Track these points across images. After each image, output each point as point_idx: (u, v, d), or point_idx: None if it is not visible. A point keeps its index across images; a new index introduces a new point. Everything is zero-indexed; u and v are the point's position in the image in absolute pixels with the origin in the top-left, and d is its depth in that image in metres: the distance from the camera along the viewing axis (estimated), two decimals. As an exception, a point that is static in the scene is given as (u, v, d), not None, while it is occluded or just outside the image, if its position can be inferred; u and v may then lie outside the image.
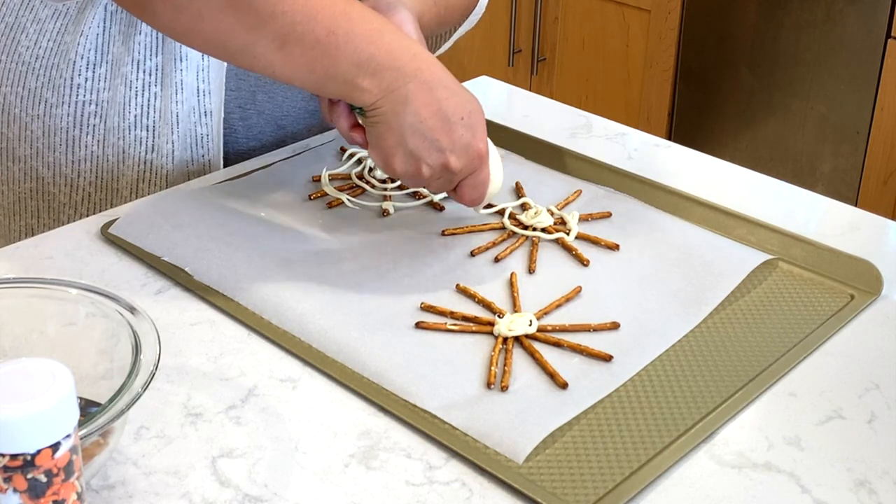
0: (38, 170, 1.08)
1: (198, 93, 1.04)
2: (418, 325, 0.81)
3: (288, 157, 1.06)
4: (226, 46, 0.83)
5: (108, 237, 0.92)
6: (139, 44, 1.02)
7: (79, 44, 1.02)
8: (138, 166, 1.06)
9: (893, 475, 0.69)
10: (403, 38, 0.85)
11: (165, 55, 1.02)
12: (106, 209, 1.06)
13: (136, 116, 1.04)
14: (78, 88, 1.04)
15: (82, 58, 1.03)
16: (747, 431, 0.73)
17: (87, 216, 1.02)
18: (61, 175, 1.07)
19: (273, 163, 1.05)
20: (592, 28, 2.52)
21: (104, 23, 1.02)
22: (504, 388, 0.75)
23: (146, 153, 1.05)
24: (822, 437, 0.72)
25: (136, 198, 1.05)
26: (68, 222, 1.06)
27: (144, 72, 1.03)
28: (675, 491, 0.67)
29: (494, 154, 0.90)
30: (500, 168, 0.91)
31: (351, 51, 0.82)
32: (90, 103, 1.04)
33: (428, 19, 1.00)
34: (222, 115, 1.06)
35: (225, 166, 1.08)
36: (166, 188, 1.05)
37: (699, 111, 2.43)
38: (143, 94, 1.03)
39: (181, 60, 1.03)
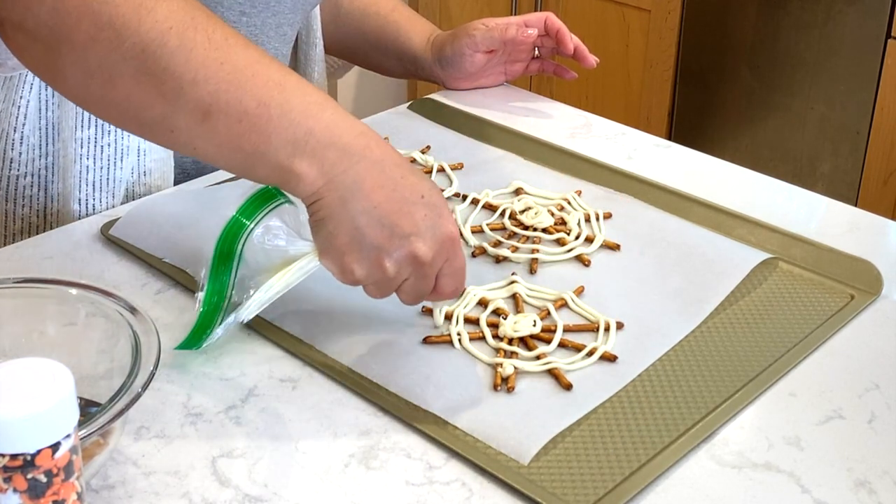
0: None
1: (139, 153, 1.00)
2: (426, 341, 0.80)
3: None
4: (140, 118, 0.73)
5: (108, 238, 0.92)
6: (73, 108, 0.95)
7: (12, 114, 0.95)
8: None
9: (893, 475, 0.69)
10: (348, 115, 0.74)
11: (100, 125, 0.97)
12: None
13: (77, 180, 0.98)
14: (11, 163, 0.97)
15: (15, 130, 0.96)
16: (747, 431, 0.73)
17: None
18: None
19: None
20: (592, 28, 2.52)
21: (44, 90, 0.95)
22: (510, 390, 0.75)
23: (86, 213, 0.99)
24: (822, 437, 0.72)
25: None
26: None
27: (79, 141, 0.97)
28: (675, 491, 0.67)
29: None
30: None
31: (285, 125, 0.71)
32: (25, 176, 0.98)
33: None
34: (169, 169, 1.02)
35: None
36: None
37: (699, 111, 2.43)
38: (80, 162, 0.98)
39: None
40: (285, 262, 0.76)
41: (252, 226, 0.76)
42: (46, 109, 0.97)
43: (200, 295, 0.77)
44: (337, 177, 0.71)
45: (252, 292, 0.76)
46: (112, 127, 0.97)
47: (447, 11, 2.82)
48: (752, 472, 0.69)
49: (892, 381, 0.78)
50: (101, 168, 0.98)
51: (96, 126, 0.97)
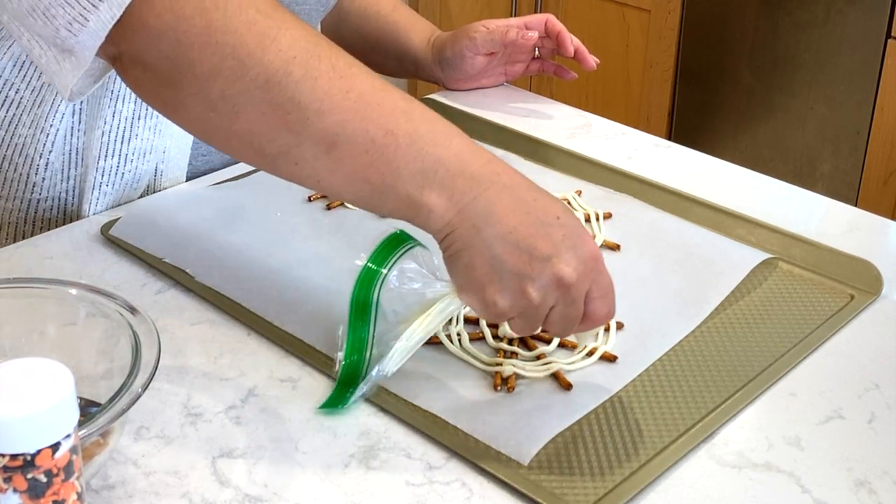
0: None
1: (155, 172, 1.01)
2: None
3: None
4: (263, 150, 0.71)
5: (108, 238, 0.92)
6: (97, 139, 0.95)
7: (39, 140, 0.94)
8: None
9: (893, 475, 0.69)
10: (473, 142, 0.71)
11: (121, 155, 0.96)
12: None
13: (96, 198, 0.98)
14: (34, 187, 0.96)
15: (41, 156, 0.94)
16: (747, 431, 0.73)
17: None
18: None
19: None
20: (592, 28, 2.52)
21: (71, 117, 0.94)
22: (510, 390, 0.75)
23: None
24: (822, 437, 0.72)
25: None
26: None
27: (101, 170, 0.96)
28: (675, 491, 0.67)
29: None
30: None
31: (414, 154, 0.68)
32: (46, 199, 0.97)
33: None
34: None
35: None
36: None
37: (699, 111, 2.43)
38: (99, 189, 0.97)
39: (143, 156, 0.97)
40: (424, 307, 0.73)
41: (386, 272, 0.73)
42: (72, 136, 0.95)
43: (340, 354, 0.74)
44: (468, 205, 0.68)
45: (393, 343, 0.73)
46: (135, 156, 0.97)
47: (447, 11, 2.82)
48: (752, 472, 0.69)
49: (892, 381, 0.78)
50: (118, 192, 0.98)
51: (119, 156, 0.96)
